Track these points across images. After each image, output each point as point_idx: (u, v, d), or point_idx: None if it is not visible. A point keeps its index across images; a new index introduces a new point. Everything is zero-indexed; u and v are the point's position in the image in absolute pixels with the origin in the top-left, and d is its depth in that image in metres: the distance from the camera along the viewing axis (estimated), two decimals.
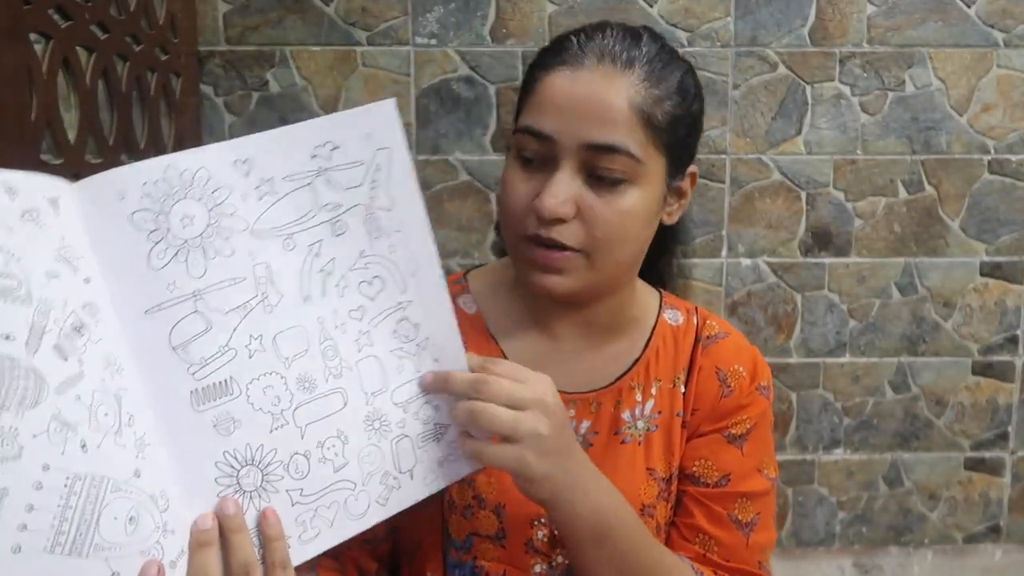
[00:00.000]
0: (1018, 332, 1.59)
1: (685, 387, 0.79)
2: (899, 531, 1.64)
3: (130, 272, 0.49)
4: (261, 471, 0.53)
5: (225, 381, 0.51)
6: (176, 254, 0.50)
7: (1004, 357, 1.59)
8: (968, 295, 1.57)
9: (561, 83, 0.68)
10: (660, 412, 0.78)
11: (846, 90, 1.50)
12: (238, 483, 0.52)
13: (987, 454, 1.62)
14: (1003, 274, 1.57)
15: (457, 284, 0.83)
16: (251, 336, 0.52)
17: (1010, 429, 1.62)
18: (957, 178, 1.53)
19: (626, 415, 0.77)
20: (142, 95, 1.19)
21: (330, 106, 1.47)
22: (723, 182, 1.52)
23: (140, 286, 0.49)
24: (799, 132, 1.51)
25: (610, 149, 0.66)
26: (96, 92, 1.03)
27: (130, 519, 0.46)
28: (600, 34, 0.70)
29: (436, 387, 0.61)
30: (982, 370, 1.60)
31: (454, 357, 0.62)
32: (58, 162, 0.90)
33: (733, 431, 0.78)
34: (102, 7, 1.04)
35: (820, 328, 1.57)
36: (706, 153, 1.51)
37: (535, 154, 0.69)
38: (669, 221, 0.76)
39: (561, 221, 0.67)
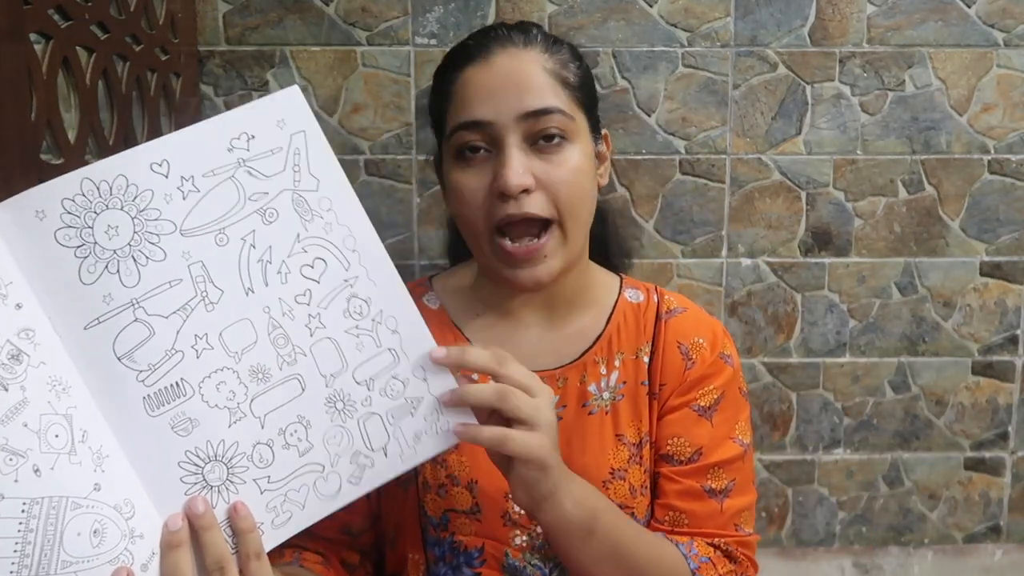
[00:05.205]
0: (1018, 332, 1.59)
1: (649, 358, 0.81)
2: (899, 531, 1.64)
3: (63, 291, 0.49)
4: (225, 465, 0.53)
5: (176, 383, 0.52)
6: (107, 266, 0.50)
7: (1004, 357, 1.59)
8: (968, 295, 1.57)
9: (478, 75, 0.73)
10: (625, 382, 0.81)
11: (846, 90, 1.50)
12: (204, 479, 0.53)
13: (987, 454, 1.62)
14: (1003, 274, 1.57)
15: (421, 286, 0.87)
16: (196, 336, 0.52)
17: (1010, 429, 1.62)
18: (957, 178, 1.53)
19: (592, 388, 0.80)
20: (142, 95, 1.19)
21: (330, 106, 1.47)
22: (723, 182, 1.52)
23: (75, 303, 0.49)
24: (799, 132, 1.51)
25: (546, 112, 0.72)
26: (96, 92, 1.03)
27: (94, 532, 0.47)
28: (492, 31, 0.77)
29: (452, 362, 0.60)
30: (982, 370, 1.60)
31: (411, 325, 0.61)
32: (58, 162, 0.90)
33: (701, 403, 0.80)
34: (102, 7, 1.04)
35: (820, 328, 1.57)
36: (706, 153, 1.51)
37: (477, 146, 0.73)
38: (602, 183, 0.82)
39: (526, 192, 0.72)
